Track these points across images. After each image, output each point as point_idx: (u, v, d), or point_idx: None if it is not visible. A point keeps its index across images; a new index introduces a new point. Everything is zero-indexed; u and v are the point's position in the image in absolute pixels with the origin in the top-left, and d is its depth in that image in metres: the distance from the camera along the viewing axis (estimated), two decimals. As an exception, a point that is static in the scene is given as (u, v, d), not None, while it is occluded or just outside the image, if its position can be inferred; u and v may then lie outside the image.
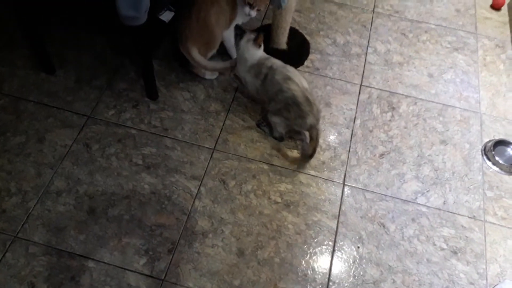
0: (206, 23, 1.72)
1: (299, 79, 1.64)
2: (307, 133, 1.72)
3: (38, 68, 1.91)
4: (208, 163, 1.71)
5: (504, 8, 2.43)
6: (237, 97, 1.92)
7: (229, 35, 1.81)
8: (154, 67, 1.80)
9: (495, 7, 2.42)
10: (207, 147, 1.76)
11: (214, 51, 1.87)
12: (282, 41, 2.04)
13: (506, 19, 2.39)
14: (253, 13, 1.73)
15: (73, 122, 1.77)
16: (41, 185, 1.60)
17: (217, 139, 1.79)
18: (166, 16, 1.49)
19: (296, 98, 1.62)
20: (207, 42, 1.80)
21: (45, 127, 1.75)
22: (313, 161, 1.75)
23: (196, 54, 1.75)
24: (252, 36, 1.70)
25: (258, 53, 1.71)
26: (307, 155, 1.71)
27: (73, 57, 1.97)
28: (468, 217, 1.66)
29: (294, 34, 2.15)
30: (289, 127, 1.73)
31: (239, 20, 1.80)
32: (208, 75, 1.93)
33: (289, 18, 1.93)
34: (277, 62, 1.68)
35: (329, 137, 1.83)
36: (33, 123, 1.75)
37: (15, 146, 1.69)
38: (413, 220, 1.63)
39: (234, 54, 1.84)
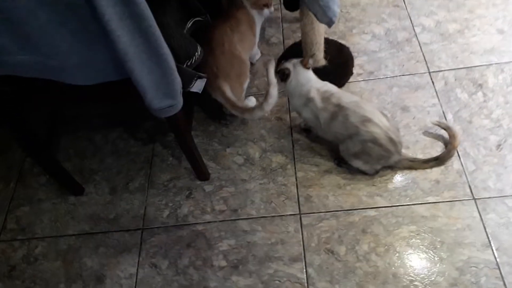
0: (233, 53, 1.51)
1: (379, 118, 1.31)
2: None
3: (65, 194, 1.61)
4: (302, 234, 1.37)
5: None
6: (296, 141, 1.59)
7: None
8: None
9: None
10: (291, 214, 1.42)
11: (248, 80, 1.60)
12: (320, 58, 1.70)
13: None
14: (272, 10, 1.64)
15: (128, 243, 1.45)
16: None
17: (298, 199, 1.45)
18: (198, 85, 1.18)
19: (378, 141, 1.31)
20: (240, 73, 1.54)
21: (99, 261, 1.43)
22: (425, 184, 1.39)
23: (230, 93, 1.48)
24: (296, 60, 1.44)
25: (311, 75, 1.42)
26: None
27: (97, 166, 1.66)
28: None
29: (326, 44, 1.82)
30: (372, 166, 1.40)
31: (259, 25, 1.66)
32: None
33: (322, 29, 1.60)
34: (344, 97, 1.36)
35: (427, 148, 1.48)
36: (84, 261, 1.44)
37: (73, 297, 1.37)
38: None
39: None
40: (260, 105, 1.39)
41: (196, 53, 1.29)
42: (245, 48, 1.60)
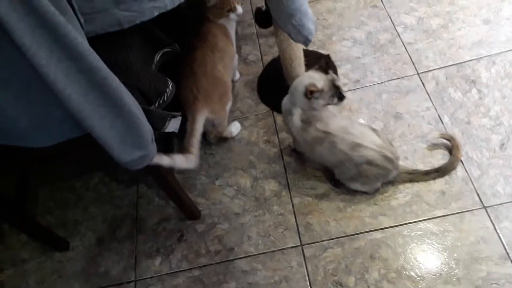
0: (215, 75, 1.43)
1: (371, 139, 1.22)
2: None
3: (49, 250, 1.50)
4: (306, 268, 1.27)
5: None
6: (288, 164, 1.50)
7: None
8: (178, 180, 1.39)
9: None
10: (292, 247, 1.32)
11: (230, 103, 1.53)
12: (302, 72, 1.61)
13: None
14: (240, 10, 1.50)
15: (121, 299, 1.35)
16: None
17: (297, 229, 1.35)
18: (173, 125, 1.08)
19: (373, 162, 1.22)
20: (222, 94, 1.46)
21: (92, 323, 1.32)
22: (430, 197, 1.30)
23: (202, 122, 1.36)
24: (313, 76, 1.22)
25: (298, 100, 1.26)
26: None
27: (81, 216, 1.55)
28: None
29: (306, 56, 1.72)
30: (372, 186, 1.32)
31: (232, 32, 1.56)
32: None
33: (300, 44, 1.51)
34: (332, 123, 1.23)
35: (427, 156, 1.39)
36: (75, 325, 1.33)
37: None
38: None
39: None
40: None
41: (168, 89, 1.20)
42: (227, 65, 1.51)
